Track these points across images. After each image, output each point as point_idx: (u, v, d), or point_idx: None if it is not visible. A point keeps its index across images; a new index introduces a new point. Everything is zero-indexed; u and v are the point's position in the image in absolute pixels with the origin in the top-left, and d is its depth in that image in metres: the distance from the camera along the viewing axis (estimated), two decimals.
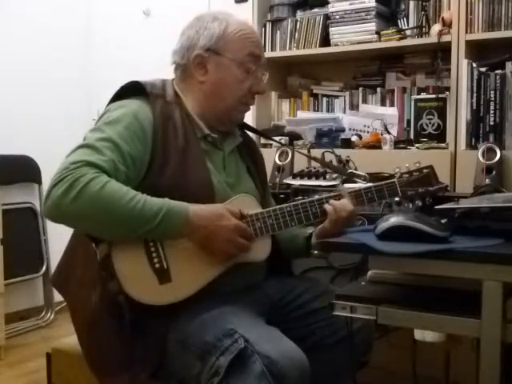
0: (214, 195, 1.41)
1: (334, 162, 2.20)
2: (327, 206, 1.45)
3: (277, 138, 2.48)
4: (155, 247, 1.32)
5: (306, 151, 2.27)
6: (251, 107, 1.61)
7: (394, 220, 1.23)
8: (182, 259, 1.33)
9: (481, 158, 2.12)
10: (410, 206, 1.54)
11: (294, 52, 2.74)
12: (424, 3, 2.45)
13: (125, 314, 1.32)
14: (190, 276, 1.34)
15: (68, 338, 1.61)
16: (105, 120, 1.37)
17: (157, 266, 1.32)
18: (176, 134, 1.41)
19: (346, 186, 1.77)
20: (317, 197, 1.47)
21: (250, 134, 1.72)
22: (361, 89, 2.72)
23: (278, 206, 1.44)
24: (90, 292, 1.36)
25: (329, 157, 2.24)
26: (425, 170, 1.49)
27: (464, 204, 1.40)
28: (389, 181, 1.49)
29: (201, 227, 1.31)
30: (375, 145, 2.46)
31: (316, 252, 1.57)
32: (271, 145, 2.72)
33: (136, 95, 1.43)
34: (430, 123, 2.40)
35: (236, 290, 1.42)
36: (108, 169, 1.27)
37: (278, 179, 2.25)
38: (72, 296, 1.47)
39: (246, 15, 2.90)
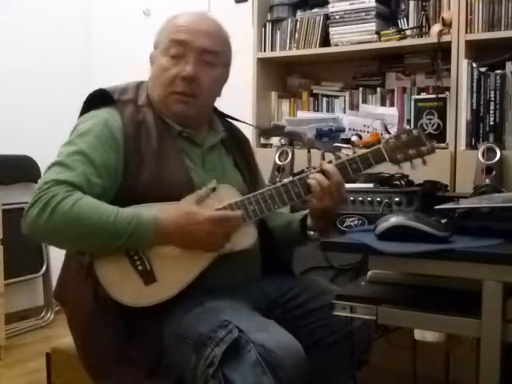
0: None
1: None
2: (309, 180, 1.40)
3: (277, 138, 2.48)
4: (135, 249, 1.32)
5: (306, 151, 2.27)
6: (251, 107, 1.59)
7: (393, 220, 1.23)
8: (165, 258, 1.32)
9: (481, 158, 2.11)
10: (401, 166, 1.43)
11: (294, 52, 2.74)
12: (424, 3, 2.45)
13: (117, 318, 1.33)
14: (175, 273, 1.33)
15: (68, 337, 1.60)
16: (77, 132, 1.39)
17: (140, 268, 1.32)
18: (149, 137, 1.41)
19: None
20: (298, 176, 1.42)
21: (247, 133, 1.70)
22: (361, 89, 2.71)
23: (258, 192, 1.40)
24: (84, 300, 1.37)
25: (329, 157, 2.24)
26: (414, 131, 1.41)
27: (464, 204, 1.40)
28: (373, 147, 1.43)
29: (173, 231, 1.31)
30: (375, 145, 2.44)
31: (313, 233, 1.52)
32: (271, 145, 2.72)
33: (106, 103, 1.44)
34: (430, 123, 2.40)
35: (233, 285, 1.41)
36: (79, 183, 1.29)
37: (278, 179, 2.24)
38: (69, 305, 1.48)
39: (246, 15, 2.91)
